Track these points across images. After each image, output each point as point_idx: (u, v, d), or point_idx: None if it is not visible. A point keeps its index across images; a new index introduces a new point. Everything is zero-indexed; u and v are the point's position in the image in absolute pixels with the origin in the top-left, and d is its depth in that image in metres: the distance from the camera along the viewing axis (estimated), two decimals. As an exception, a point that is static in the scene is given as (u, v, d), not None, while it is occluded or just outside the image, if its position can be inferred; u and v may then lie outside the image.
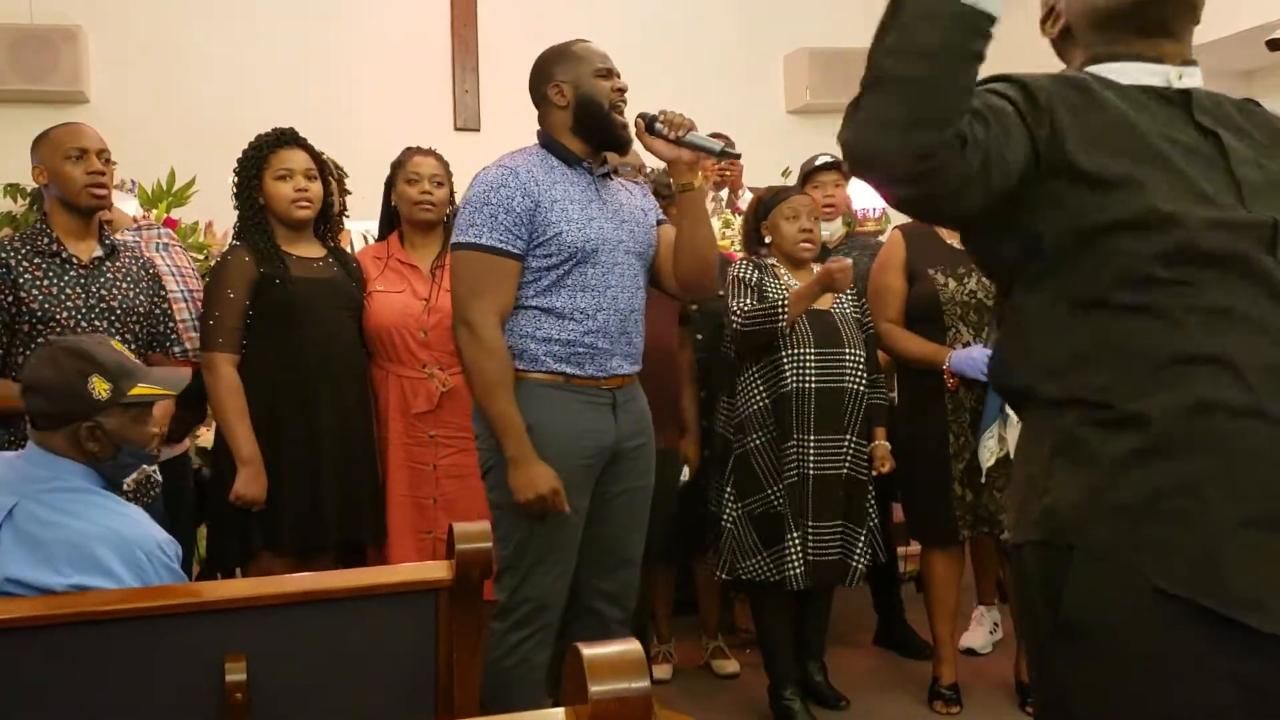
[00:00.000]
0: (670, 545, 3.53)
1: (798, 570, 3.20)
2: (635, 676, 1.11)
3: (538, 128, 2.72)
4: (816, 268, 3.38)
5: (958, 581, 3.47)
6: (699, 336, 3.64)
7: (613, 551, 2.70)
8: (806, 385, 3.23)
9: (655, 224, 2.79)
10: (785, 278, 3.35)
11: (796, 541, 3.21)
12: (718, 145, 2.61)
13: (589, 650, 1.12)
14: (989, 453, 3.23)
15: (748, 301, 3.24)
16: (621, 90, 2.63)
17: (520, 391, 2.54)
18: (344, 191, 3.41)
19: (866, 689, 3.66)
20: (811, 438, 3.23)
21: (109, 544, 1.87)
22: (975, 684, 3.61)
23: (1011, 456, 3.22)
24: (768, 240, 3.39)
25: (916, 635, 3.93)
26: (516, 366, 2.57)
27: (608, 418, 2.62)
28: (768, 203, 3.40)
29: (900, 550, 4.22)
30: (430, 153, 3.23)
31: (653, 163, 3.59)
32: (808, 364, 3.24)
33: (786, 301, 3.18)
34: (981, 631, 4.04)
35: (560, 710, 1.17)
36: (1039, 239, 1.42)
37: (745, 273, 3.31)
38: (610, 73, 2.64)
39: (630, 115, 2.66)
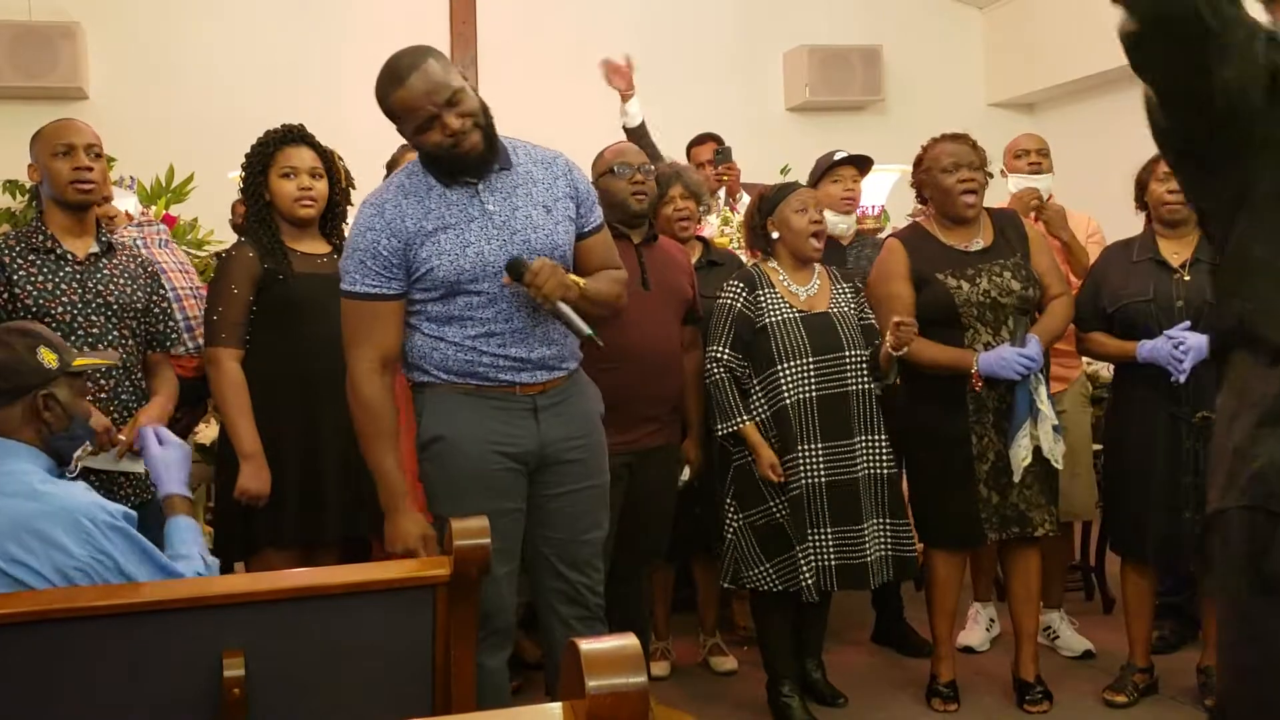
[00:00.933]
0: (669, 544, 3.54)
1: (809, 581, 3.18)
2: (632, 671, 1.11)
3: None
4: (819, 269, 3.39)
5: (959, 582, 3.47)
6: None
7: (560, 553, 2.63)
8: (807, 395, 3.21)
9: (565, 224, 2.57)
10: (785, 282, 3.31)
11: (801, 555, 3.18)
12: (585, 330, 2.44)
13: (586, 645, 1.13)
14: (1025, 450, 3.21)
15: (724, 348, 3.24)
16: (456, 132, 2.39)
17: (428, 399, 2.53)
18: (351, 186, 3.42)
19: (864, 687, 3.66)
20: (820, 446, 3.21)
21: (52, 518, 1.88)
22: (973, 682, 3.61)
23: (1044, 454, 3.22)
24: (775, 236, 3.35)
25: (915, 633, 3.94)
26: (420, 378, 2.55)
27: (526, 423, 2.53)
28: (772, 199, 3.36)
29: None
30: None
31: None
32: (807, 374, 3.22)
33: (741, 427, 3.21)
34: (979, 629, 4.05)
35: (558, 705, 1.17)
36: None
37: (730, 303, 3.26)
38: (436, 118, 2.39)
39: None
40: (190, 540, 2.09)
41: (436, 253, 2.45)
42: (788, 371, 3.22)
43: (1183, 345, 3.16)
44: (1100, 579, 4.43)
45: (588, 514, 2.66)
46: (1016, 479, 3.24)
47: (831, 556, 3.21)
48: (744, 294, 3.27)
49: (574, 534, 2.64)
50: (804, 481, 3.19)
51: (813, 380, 3.22)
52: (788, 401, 3.20)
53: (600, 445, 2.68)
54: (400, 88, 2.39)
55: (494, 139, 2.49)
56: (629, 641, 1.14)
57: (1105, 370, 4.07)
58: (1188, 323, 3.21)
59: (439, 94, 2.39)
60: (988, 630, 4.06)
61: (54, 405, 2.05)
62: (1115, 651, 3.65)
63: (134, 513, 2.00)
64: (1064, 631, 3.94)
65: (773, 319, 3.25)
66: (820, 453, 3.21)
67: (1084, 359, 3.85)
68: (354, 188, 3.49)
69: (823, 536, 3.20)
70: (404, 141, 3.25)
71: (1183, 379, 3.17)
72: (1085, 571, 4.52)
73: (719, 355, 3.26)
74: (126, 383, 2.80)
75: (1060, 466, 3.30)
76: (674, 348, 3.32)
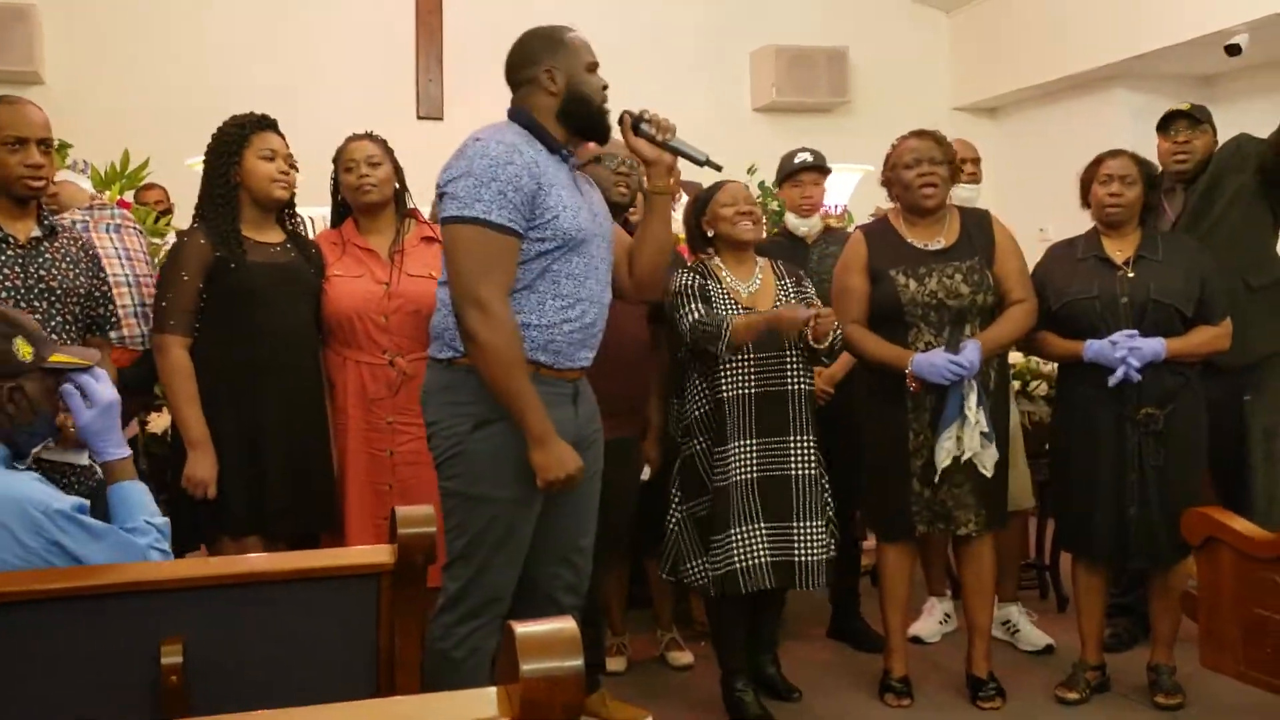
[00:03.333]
0: (626, 538, 3.53)
1: (721, 573, 3.18)
2: (567, 655, 1.10)
3: (509, 108, 2.64)
4: (761, 261, 3.40)
5: (909, 574, 3.49)
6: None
7: (567, 540, 2.68)
8: (745, 391, 3.22)
9: (612, 222, 2.77)
10: (729, 280, 3.31)
11: (718, 547, 3.18)
12: (703, 155, 2.59)
13: (521, 629, 1.11)
14: (945, 453, 3.24)
15: (697, 308, 3.22)
16: (605, 87, 2.61)
17: (485, 384, 2.50)
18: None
19: (819, 681, 3.67)
20: (755, 442, 3.21)
21: (1, 509, 1.83)
22: (927, 677, 3.63)
23: (968, 458, 3.24)
24: (711, 235, 3.36)
25: (870, 628, 3.95)
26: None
27: (569, 409, 2.60)
28: (703, 199, 3.40)
29: (866, 544, 4.25)
30: (363, 136, 3.22)
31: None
32: (746, 370, 3.22)
33: (730, 323, 3.13)
34: (931, 621, 4.08)
35: (492, 690, 1.15)
36: None
37: (687, 282, 3.27)
38: (597, 66, 2.61)
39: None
40: (137, 508, 2.03)
41: (561, 204, 2.50)
42: (728, 367, 3.22)
43: (1131, 349, 3.20)
44: (1055, 577, 4.46)
45: (594, 500, 2.72)
46: (937, 479, 3.26)
47: (765, 552, 3.21)
48: (697, 279, 3.28)
49: (584, 519, 2.70)
50: (736, 477, 3.20)
51: (752, 377, 3.22)
52: (726, 396, 3.21)
53: (602, 433, 2.76)
54: (572, 30, 2.60)
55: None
56: (565, 625, 1.13)
57: (1050, 366, 4.10)
58: (1135, 331, 3.24)
59: (595, 56, 2.61)
60: (941, 624, 4.09)
61: (20, 398, 1.98)
62: (1070, 649, 3.68)
63: (85, 502, 1.96)
64: (1023, 625, 3.97)
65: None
66: (755, 448, 3.22)
67: (1014, 354, 3.90)
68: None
69: (756, 531, 3.20)
70: (371, 132, 3.25)
71: (1136, 379, 3.21)
72: (1040, 570, 4.55)
73: (689, 310, 3.20)
74: (69, 368, 2.75)
75: (989, 473, 3.28)
76: (640, 341, 3.33)
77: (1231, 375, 3.53)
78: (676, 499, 3.32)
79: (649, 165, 2.66)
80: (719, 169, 2.64)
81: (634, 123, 2.61)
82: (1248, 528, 2.86)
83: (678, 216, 4.37)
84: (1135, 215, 3.41)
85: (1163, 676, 3.42)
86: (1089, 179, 3.48)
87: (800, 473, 3.25)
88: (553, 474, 2.46)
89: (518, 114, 2.61)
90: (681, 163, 2.73)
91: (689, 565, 3.28)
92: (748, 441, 3.21)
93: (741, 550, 3.20)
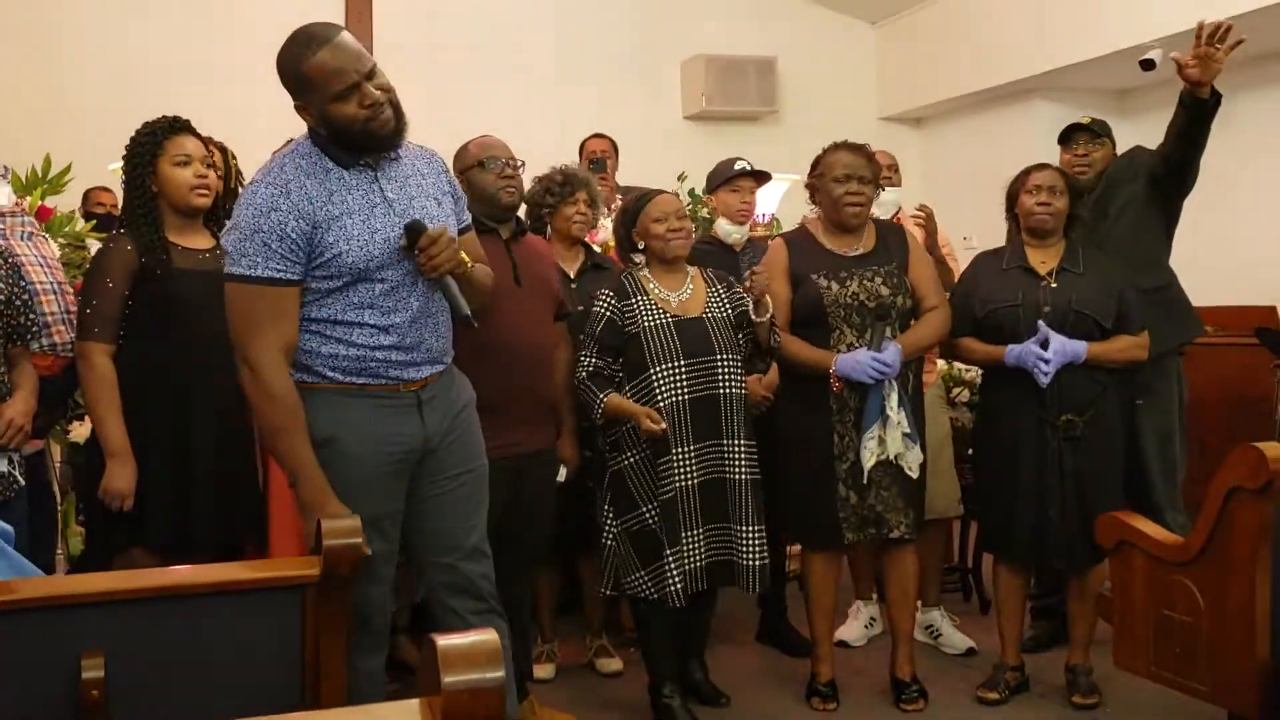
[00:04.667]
0: (554, 546, 3.54)
1: (676, 586, 3.19)
2: (489, 667, 1.11)
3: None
4: (692, 270, 3.41)
5: (836, 581, 3.54)
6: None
7: (449, 543, 2.60)
8: (680, 398, 3.22)
9: (450, 220, 2.56)
10: (656, 290, 3.32)
11: (671, 559, 3.19)
12: (464, 310, 2.44)
13: (443, 641, 1.12)
14: (870, 453, 3.30)
15: (592, 356, 3.25)
16: (375, 103, 2.34)
17: (314, 402, 2.41)
18: (240, 185, 3.34)
19: (747, 686, 3.71)
20: (692, 448, 3.22)
21: None
22: (852, 681, 3.68)
23: (892, 458, 3.31)
24: (641, 246, 3.38)
25: (798, 633, 3.99)
26: (305, 379, 2.42)
27: (412, 419, 2.50)
28: (632, 210, 3.40)
29: (792, 549, 4.29)
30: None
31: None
32: (679, 377, 3.23)
33: (603, 402, 3.20)
34: (856, 625, 4.14)
35: (415, 702, 1.16)
36: None
37: (605, 306, 3.27)
38: (358, 78, 2.32)
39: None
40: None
41: (344, 238, 2.36)
42: (660, 375, 3.23)
43: (1047, 351, 3.28)
44: (977, 580, 4.55)
45: (471, 498, 2.63)
46: (865, 480, 3.32)
47: (702, 556, 3.23)
48: (614, 302, 3.28)
49: (459, 520, 2.60)
50: (678, 484, 3.21)
51: (685, 383, 3.23)
52: (661, 405, 3.21)
53: (476, 429, 2.66)
54: (320, 51, 2.30)
55: (403, 118, 2.42)
56: (487, 637, 1.14)
57: (972, 373, 4.19)
58: (1049, 334, 3.33)
59: (362, 62, 2.33)
60: (866, 628, 4.15)
61: None
62: (992, 651, 3.76)
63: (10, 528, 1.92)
64: (946, 629, 4.05)
65: (645, 324, 3.26)
66: (692, 454, 3.23)
67: (939, 361, 3.97)
68: (244, 185, 3.42)
69: (695, 535, 3.22)
70: (293, 136, 3.22)
71: (1045, 381, 3.30)
72: (963, 573, 4.64)
73: (587, 360, 3.26)
74: (-11, 378, 2.71)
75: (915, 474, 3.36)
76: (548, 343, 3.31)
77: (1127, 379, 3.60)
78: (609, 515, 3.32)
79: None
80: (472, 327, 2.49)
81: (412, 243, 2.40)
82: (1158, 532, 2.95)
83: (607, 224, 4.41)
84: (1061, 225, 3.50)
85: (1080, 677, 3.51)
86: (1016, 190, 3.56)
87: (737, 477, 3.27)
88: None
89: (310, 133, 2.45)
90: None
91: (631, 578, 3.28)
92: (685, 448, 3.22)
93: (692, 556, 3.21)
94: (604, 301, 3.30)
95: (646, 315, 3.27)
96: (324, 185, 2.38)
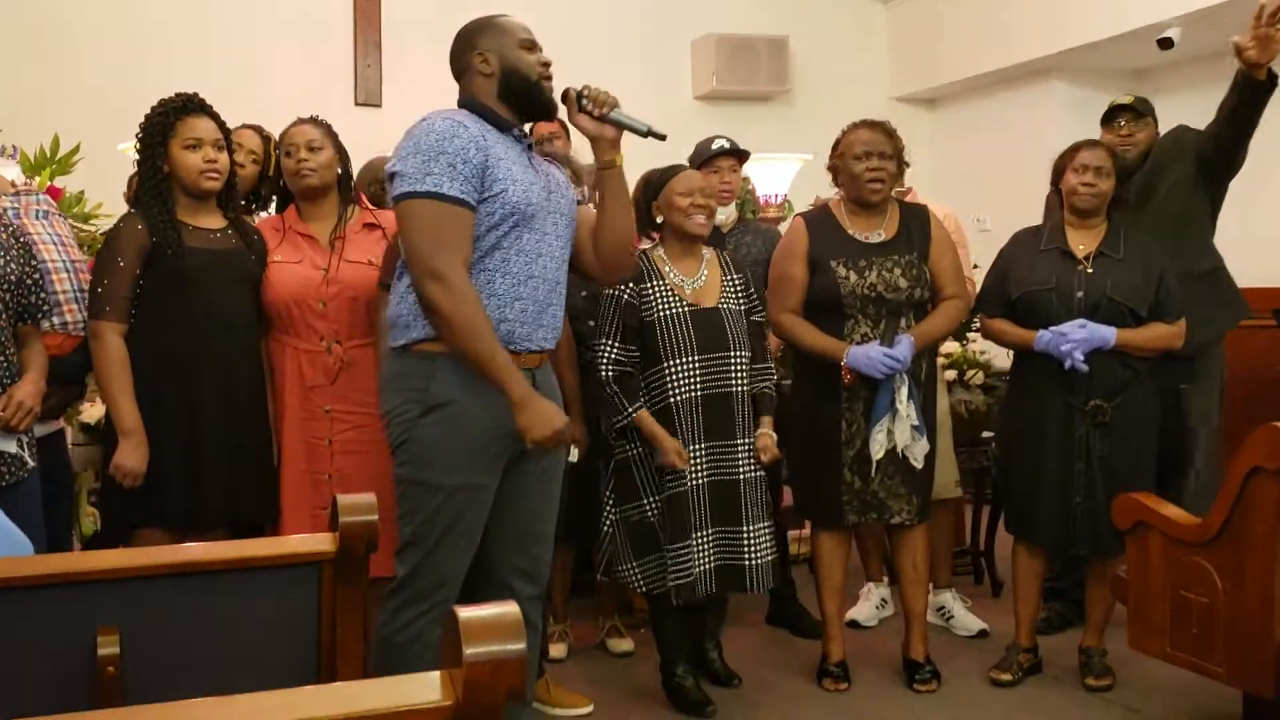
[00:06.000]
0: (568, 527, 3.53)
1: (675, 584, 3.16)
2: (511, 639, 1.11)
3: (458, 98, 2.63)
4: (707, 253, 3.38)
5: (844, 560, 3.53)
6: (590, 323, 3.56)
7: (528, 528, 2.66)
8: (692, 395, 3.20)
9: (575, 202, 2.74)
10: (672, 275, 3.28)
11: (671, 558, 3.17)
12: (644, 125, 2.58)
13: (465, 613, 1.12)
14: (879, 446, 3.28)
15: (614, 343, 3.21)
16: (547, 64, 2.61)
17: (437, 369, 2.47)
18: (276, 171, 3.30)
19: (758, 667, 3.71)
20: (704, 446, 3.20)
21: None
22: (864, 661, 3.67)
23: (899, 451, 3.29)
24: (659, 220, 3.33)
25: (808, 614, 3.99)
26: (431, 348, 2.48)
27: None
28: (657, 182, 3.33)
29: (793, 533, 4.29)
30: (305, 121, 3.16)
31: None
32: (692, 373, 3.20)
33: (636, 415, 3.17)
34: (868, 606, 4.14)
35: (435, 674, 1.16)
36: None
37: (614, 303, 3.23)
38: (534, 45, 2.61)
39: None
40: None
41: (510, 177, 2.48)
42: (673, 370, 3.20)
43: (1074, 338, 3.25)
44: (989, 563, 4.54)
45: (556, 488, 2.72)
46: (873, 471, 3.31)
47: (711, 559, 3.20)
48: (630, 286, 3.24)
49: (544, 508, 2.68)
50: (688, 483, 3.18)
51: (698, 379, 3.20)
52: (672, 400, 3.19)
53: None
54: (505, 15, 2.63)
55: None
56: (508, 609, 1.13)
57: (986, 355, 4.17)
58: (1083, 321, 3.29)
59: (531, 35, 2.62)
60: (878, 609, 4.14)
61: None
62: (1003, 633, 3.75)
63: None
64: (958, 611, 4.04)
65: (660, 313, 3.22)
66: (704, 452, 3.20)
67: (954, 344, 3.96)
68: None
69: (704, 537, 3.19)
70: (302, 115, 3.20)
71: (1078, 363, 3.26)
72: (975, 556, 4.62)
73: (609, 352, 3.22)
74: (0, 358, 2.70)
75: (920, 466, 3.34)
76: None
77: (1173, 365, 3.58)
78: (610, 502, 3.31)
79: (593, 141, 2.63)
80: (663, 138, 2.60)
81: (576, 98, 2.60)
82: (1175, 513, 2.94)
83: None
84: (1104, 206, 3.46)
85: (1093, 659, 3.50)
86: (1063, 165, 3.51)
87: (747, 476, 3.25)
88: (538, 433, 2.44)
89: (465, 101, 2.62)
90: (647, 145, 2.68)
91: (623, 568, 3.28)
92: (697, 446, 3.20)
93: (699, 557, 3.18)
94: (617, 292, 3.25)
95: (661, 303, 3.23)
96: (488, 133, 2.53)
